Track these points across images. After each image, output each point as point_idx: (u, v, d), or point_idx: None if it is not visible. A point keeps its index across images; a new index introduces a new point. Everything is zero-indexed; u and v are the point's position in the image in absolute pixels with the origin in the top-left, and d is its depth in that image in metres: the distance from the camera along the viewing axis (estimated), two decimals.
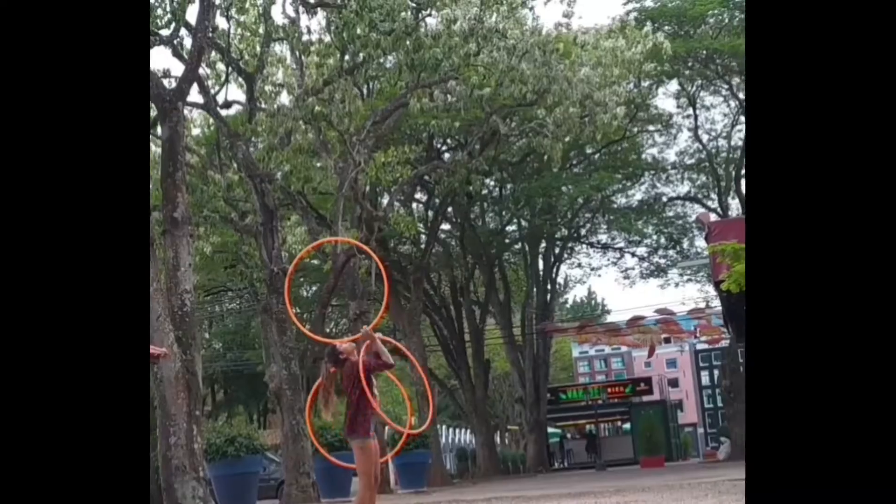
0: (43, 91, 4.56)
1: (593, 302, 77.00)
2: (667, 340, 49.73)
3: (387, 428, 20.61)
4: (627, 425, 52.03)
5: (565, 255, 44.42)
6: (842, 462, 4.17)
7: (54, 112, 4.57)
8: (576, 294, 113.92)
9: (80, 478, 4.39)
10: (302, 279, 38.59)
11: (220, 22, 20.42)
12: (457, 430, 54.66)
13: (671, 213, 41.51)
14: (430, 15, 21.21)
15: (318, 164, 24.47)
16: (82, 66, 4.62)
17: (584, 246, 43.77)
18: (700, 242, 37.30)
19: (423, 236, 35.58)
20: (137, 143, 4.77)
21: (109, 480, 4.41)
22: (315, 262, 34.19)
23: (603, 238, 43.11)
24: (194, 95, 20.40)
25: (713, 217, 32.29)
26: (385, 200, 29.74)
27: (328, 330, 38.65)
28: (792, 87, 4.42)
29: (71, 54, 4.61)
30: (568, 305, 69.66)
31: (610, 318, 56.50)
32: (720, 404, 74.54)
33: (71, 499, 4.40)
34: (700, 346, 79.79)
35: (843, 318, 4.30)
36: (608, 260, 44.79)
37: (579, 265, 47.00)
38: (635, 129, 36.19)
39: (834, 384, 4.26)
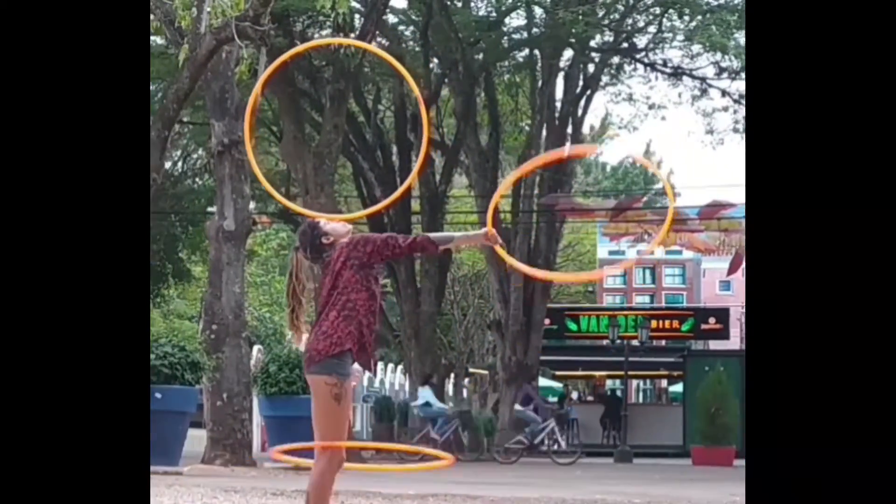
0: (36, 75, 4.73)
1: (647, 169, 58.60)
2: None
3: None
4: (679, 387, 39.32)
5: (606, 79, 32.00)
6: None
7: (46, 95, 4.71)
8: (617, 150, 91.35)
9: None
10: None
11: None
12: (381, 367, 38.14)
13: None
14: None
15: None
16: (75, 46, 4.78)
17: (643, 66, 30.93)
18: None
19: (358, 18, 25.11)
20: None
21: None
22: (159, 42, 24.58)
23: (677, 57, 31.93)
24: None
25: None
26: None
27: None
28: (793, 86, 4.68)
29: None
30: (599, 167, 52.64)
31: (675, 202, 42.77)
32: None
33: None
34: None
35: (846, 318, 4.49)
36: (683, 95, 32.00)
37: (630, 98, 33.67)
38: None
39: (838, 386, 4.49)
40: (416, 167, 9.87)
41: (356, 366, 6.84)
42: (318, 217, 7.01)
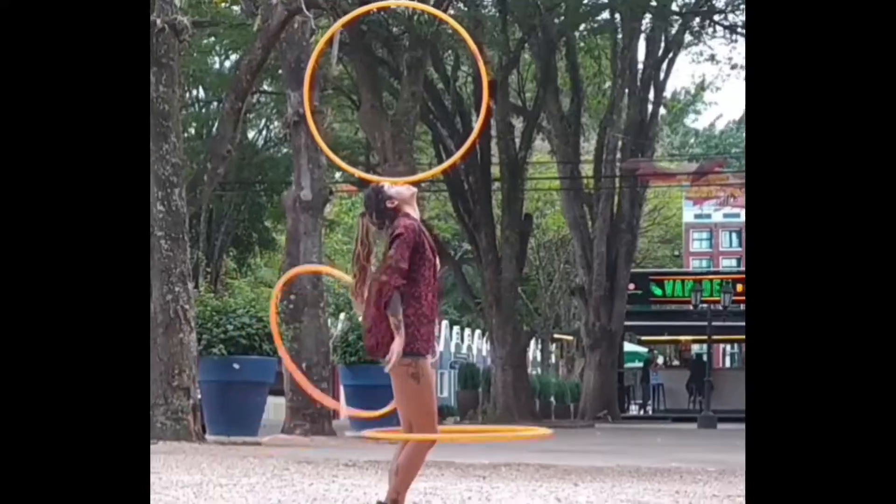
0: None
1: (732, 131, 56.20)
2: None
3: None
4: None
5: (687, 41, 30.90)
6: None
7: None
8: (701, 113, 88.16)
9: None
10: (209, 40, 28.01)
11: None
12: (465, 332, 37.46)
13: None
14: None
15: None
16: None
17: (724, 29, 29.50)
18: None
19: None
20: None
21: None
22: (235, 8, 24.58)
23: None
24: None
25: None
26: None
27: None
28: (794, 83, 4.55)
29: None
30: (684, 130, 51.18)
31: None
32: None
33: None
34: None
35: (848, 316, 4.38)
36: None
37: (712, 59, 35.61)
38: None
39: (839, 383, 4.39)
40: (473, 134, 9.38)
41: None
42: (382, 181, 6.76)
